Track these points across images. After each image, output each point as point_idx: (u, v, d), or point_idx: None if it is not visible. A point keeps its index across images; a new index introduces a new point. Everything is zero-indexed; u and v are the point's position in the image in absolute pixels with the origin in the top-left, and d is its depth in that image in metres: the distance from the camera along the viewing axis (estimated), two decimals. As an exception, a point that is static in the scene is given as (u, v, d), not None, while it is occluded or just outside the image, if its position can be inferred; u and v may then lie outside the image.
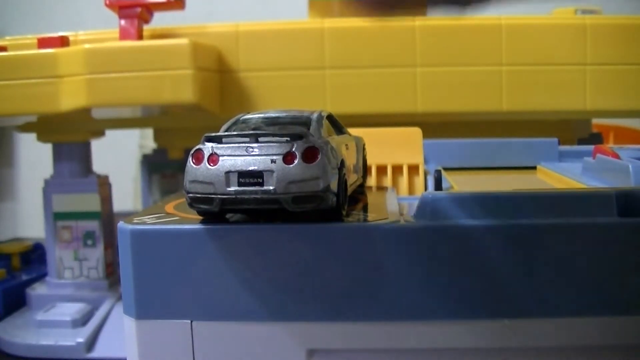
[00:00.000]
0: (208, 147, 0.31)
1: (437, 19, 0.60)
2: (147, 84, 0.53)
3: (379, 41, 0.59)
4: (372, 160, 0.47)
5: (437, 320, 0.32)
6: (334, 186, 0.30)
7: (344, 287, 0.31)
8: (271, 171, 0.30)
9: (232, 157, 0.30)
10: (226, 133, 0.32)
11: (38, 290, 0.64)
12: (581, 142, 0.66)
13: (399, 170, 0.48)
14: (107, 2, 0.56)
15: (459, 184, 0.44)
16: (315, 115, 0.35)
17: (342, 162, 0.33)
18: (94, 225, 0.63)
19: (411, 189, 0.47)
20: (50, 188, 0.64)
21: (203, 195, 0.31)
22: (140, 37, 0.57)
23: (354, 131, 0.43)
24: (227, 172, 0.30)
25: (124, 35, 0.56)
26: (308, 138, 0.31)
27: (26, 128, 0.65)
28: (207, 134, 0.32)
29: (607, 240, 0.31)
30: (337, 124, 0.40)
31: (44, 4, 1.23)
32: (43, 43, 0.55)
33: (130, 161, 1.15)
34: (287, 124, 0.34)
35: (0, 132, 1.24)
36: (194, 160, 0.31)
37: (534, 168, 0.52)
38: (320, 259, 0.31)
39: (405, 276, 0.31)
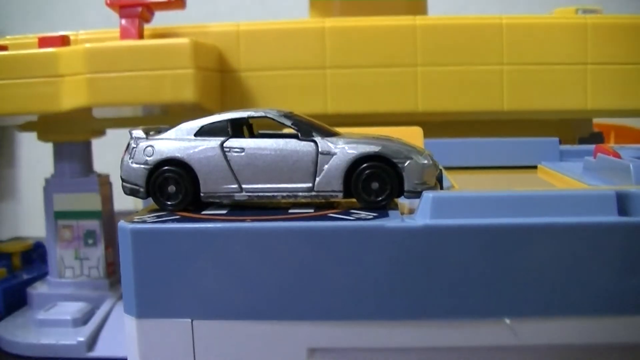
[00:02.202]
0: None
1: (438, 18, 0.60)
2: (147, 84, 0.53)
3: (380, 40, 0.59)
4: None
5: (437, 319, 0.32)
6: (134, 179, 0.36)
7: (344, 287, 0.31)
8: None
9: None
10: None
11: (39, 289, 0.64)
12: (582, 141, 0.66)
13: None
14: (108, 1, 0.56)
15: (459, 183, 0.44)
16: (197, 122, 0.39)
17: (167, 163, 0.36)
18: (94, 224, 0.63)
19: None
20: (51, 187, 0.64)
21: None
22: (141, 36, 0.57)
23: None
24: None
25: (124, 34, 0.56)
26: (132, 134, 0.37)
27: (27, 127, 0.65)
28: None
29: (607, 240, 0.31)
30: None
31: (45, 4, 1.23)
32: (44, 42, 0.55)
33: (131, 160, 1.15)
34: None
35: (1, 131, 1.24)
36: None
37: (535, 167, 0.52)
38: (320, 259, 0.31)
39: (406, 275, 0.31)
